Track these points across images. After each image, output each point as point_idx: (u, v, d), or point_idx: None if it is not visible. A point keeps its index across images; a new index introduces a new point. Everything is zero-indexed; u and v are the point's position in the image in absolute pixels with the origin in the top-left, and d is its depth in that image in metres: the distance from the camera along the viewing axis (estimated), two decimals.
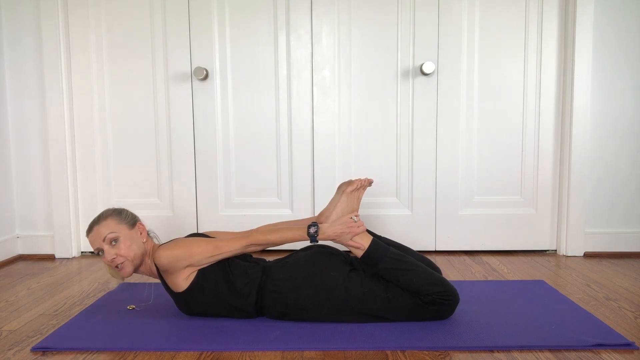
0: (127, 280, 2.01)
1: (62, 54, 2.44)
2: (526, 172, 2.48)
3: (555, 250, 2.52)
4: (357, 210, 1.64)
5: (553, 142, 2.46)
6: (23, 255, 2.56)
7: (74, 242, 2.54)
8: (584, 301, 1.78)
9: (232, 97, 2.48)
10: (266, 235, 1.56)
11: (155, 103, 2.49)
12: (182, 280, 1.54)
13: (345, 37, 2.43)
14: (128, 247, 1.56)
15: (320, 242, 1.61)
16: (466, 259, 2.42)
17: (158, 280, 1.67)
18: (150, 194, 2.54)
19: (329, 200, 2.40)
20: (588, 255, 2.45)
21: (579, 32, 2.35)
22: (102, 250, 1.56)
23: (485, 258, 2.42)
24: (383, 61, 2.43)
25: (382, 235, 2.01)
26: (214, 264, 1.56)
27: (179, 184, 2.52)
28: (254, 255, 1.85)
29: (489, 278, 2.08)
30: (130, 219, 1.61)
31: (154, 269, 1.61)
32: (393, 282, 1.52)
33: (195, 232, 2.53)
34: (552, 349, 1.38)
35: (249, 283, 1.56)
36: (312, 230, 1.54)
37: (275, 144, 2.50)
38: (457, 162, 2.47)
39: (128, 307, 1.74)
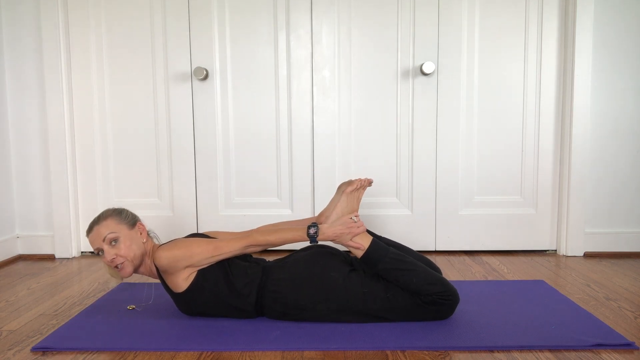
0: (127, 280, 2.01)
1: (62, 54, 2.44)
2: (526, 172, 2.48)
3: (555, 250, 2.52)
4: (357, 210, 1.64)
5: (553, 142, 2.46)
6: (23, 255, 2.56)
7: (74, 242, 2.54)
8: (584, 301, 1.78)
9: (232, 97, 2.48)
10: (266, 235, 1.56)
11: (155, 103, 2.49)
12: (182, 281, 1.54)
13: (345, 37, 2.43)
14: (128, 247, 1.56)
15: (320, 243, 1.61)
16: (466, 259, 2.42)
17: (158, 281, 1.67)
18: (150, 194, 2.54)
19: (329, 200, 2.41)
20: (588, 255, 2.45)
21: (579, 32, 2.35)
22: (102, 250, 1.56)
23: (485, 258, 2.42)
24: (383, 61, 2.44)
25: (382, 235, 2.01)
26: (213, 264, 1.56)
27: (179, 184, 2.52)
28: (254, 256, 1.85)
29: (489, 278, 2.08)
30: (130, 219, 1.61)
31: (154, 269, 1.61)
32: (393, 282, 1.52)
33: (196, 232, 2.53)
34: (552, 349, 1.38)
35: (249, 283, 1.56)
36: (312, 230, 1.54)
37: (275, 144, 2.50)
38: (457, 162, 2.48)
39: (128, 307, 1.74)
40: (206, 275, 1.55)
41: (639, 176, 2.44)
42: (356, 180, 1.63)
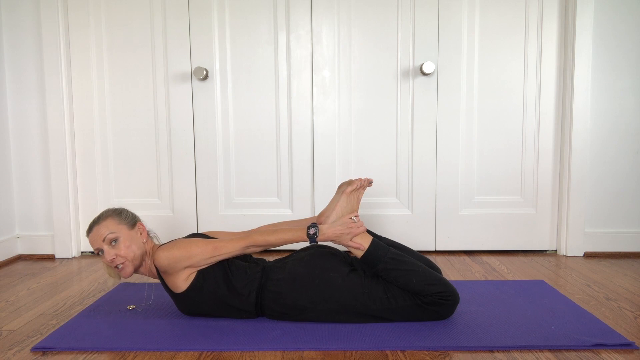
0: (127, 280, 2.01)
1: (62, 54, 2.44)
2: (526, 172, 2.48)
3: (555, 250, 2.52)
4: (357, 210, 1.64)
5: (553, 142, 2.46)
6: (23, 255, 2.56)
7: (74, 242, 2.54)
8: (584, 301, 1.78)
9: (232, 97, 2.48)
10: (266, 236, 1.56)
11: (155, 103, 2.49)
12: (182, 281, 1.54)
13: (345, 37, 2.43)
14: (128, 248, 1.56)
15: (320, 243, 1.61)
16: (466, 259, 2.42)
17: (158, 281, 1.67)
18: (150, 194, 2.54)
19: (329, 200, 2.41)
20: (588, 255, 2.45)
21: (579, 32, 2.35)
22: (102, 251, 1.56)
23: (485, 258, 2.42)
24: (383, 61, 2.44)
25: (382, 235, 2.01)
26: (213, 264, 1.56)
27: (179, 184, 2.52)
28: (254, 256, 1.85)
29: (489, 278, 2.08)
30: (130, 219, 1.61)
31: (154, 269, 1.61)
32: (393, 283, 1.52)
33: (196, 232, 2.53)
34: (552, 349, 1.38)
35: (249, 283, 1.56)
36: (312, 231, 1.54)
37: (275, 144, 2.50)
38: (457, 162, 2.48)
39: (128, 307, 1.74)
40: (206, 276, 1.55)
41: (639, 176, 2.44)
42: (356, 180, 1.63)
